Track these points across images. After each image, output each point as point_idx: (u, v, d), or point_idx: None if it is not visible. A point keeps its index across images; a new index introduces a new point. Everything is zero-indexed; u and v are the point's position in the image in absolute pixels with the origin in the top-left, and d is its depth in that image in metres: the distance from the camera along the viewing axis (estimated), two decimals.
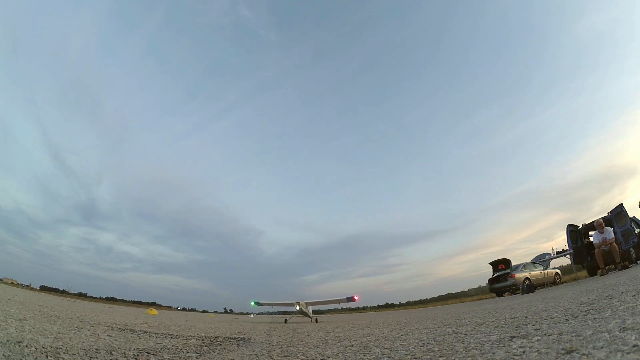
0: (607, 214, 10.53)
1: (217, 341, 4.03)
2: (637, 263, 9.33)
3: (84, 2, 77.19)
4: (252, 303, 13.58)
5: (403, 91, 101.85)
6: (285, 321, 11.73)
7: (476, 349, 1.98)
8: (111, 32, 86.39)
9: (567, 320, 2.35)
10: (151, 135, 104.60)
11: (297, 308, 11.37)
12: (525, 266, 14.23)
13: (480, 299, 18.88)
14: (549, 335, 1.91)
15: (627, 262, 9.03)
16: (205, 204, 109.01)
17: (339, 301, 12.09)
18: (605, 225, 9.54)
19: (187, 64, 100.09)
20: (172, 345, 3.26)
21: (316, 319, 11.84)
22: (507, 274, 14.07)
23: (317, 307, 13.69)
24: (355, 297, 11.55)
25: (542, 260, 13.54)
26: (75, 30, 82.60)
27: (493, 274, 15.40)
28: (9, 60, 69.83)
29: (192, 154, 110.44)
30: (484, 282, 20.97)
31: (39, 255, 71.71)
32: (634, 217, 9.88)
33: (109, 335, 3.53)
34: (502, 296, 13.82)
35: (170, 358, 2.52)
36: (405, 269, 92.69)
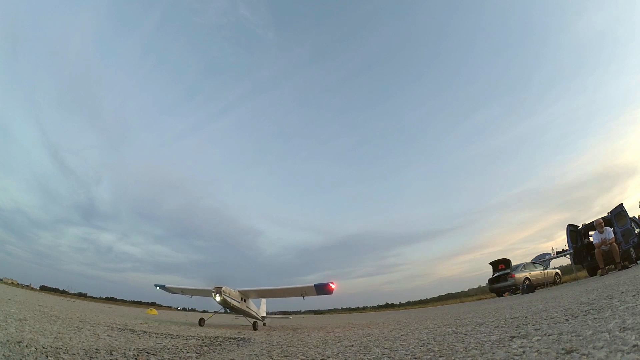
0: (607, 214, 10.54)
1: (217, 341, 4.04)
2: (637, 263, 9.33)
3: (82, 2, 77.12)
4: (157, 287, 10.13)
5: (403, 91, 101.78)
6: (201, 322, 7.62)
7: (476, 349, 1.98)
8: (110, 32, 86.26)
9: (567, 320, 2.35)
10: (150, 135, 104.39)
11: (218, 299, 7.47)
12: (525, 266, 14.23)
13: (480, 299, 18.88)
14: (549, 335, 1.91)
15: (627, 262, 9.03)
16: (205, 204, 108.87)
17: (303, 291, 8.03)
18: (605, 225, 9.55)
19: (185, 63, 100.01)
20: (172, 345, 3.26)
21: (255, 322, 7.53)
22: (507, 274, 14.07)
23: (259, 300, 10.08)
24: (332, 285, 7.67)
25: (542, 260, 13.56)
26: (74, 30, 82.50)
27: (493, 274, 15.41)
28: (8, 60, 69.80)
29: (191, 153, 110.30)
30: (484, 282, 20.99)
31: (39, 255, 71.66)
32: (634, 217, 9.88)
33: (109, 335, 3.53)
34: (502, 296, 13.82)
35: (170, 358, 2.52)
36: (405, 269, 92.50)
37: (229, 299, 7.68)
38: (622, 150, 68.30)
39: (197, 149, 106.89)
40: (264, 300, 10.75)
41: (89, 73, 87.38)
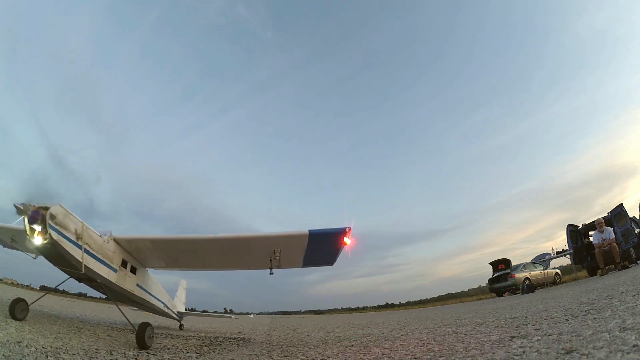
0: (607, 214, 10.53)
1: (217, 341, 4.04)
2: (637, 263, 9.32)
3: (82, 2, 77.09)
4: None
5: (403, 91, 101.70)
6: (14, 312, 3.04)
7: (476, 349, 1.97)
8: (109, 32, 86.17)
9: (567, 320, 2.35)
10: (150, 135, 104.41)
11: (38, 242, 2.84)
12: (525, 266, 14.23)
13: (480, 299, 18.85)
14: (549, 335, 1.91)
15: (627, 262, 9.02)
16: (205, 204, 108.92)
17: (275, 248, 3.85)
18: (605, 225, 9.54)
19: (185, 63, 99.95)
20: (172, 345, 3.26)
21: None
22: (507, 274, 14.07)
23: (176, 283, 5.54)
24: (346, 239, 3.71)
25: (542, 260, 13.55)
26: (74, 30, 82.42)
27: (493, 274, 15.40)
28: (7, 60, 69.79)
29: (191, 153, 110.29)
30: (484, 282, 20.92)
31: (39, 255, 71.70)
32: (634, 217, 9.87)
33: (109, 336, 3.53)
34: (502, 296, 13.81)
35: (170, 358, 2.52)
36: (405, 269, 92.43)
37: (66, 246, 3.00)
38: (622, 150, 68.23)
39: (196, 149, 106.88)
40: (183, 283, 6.09)
41: (88, 73, 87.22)
